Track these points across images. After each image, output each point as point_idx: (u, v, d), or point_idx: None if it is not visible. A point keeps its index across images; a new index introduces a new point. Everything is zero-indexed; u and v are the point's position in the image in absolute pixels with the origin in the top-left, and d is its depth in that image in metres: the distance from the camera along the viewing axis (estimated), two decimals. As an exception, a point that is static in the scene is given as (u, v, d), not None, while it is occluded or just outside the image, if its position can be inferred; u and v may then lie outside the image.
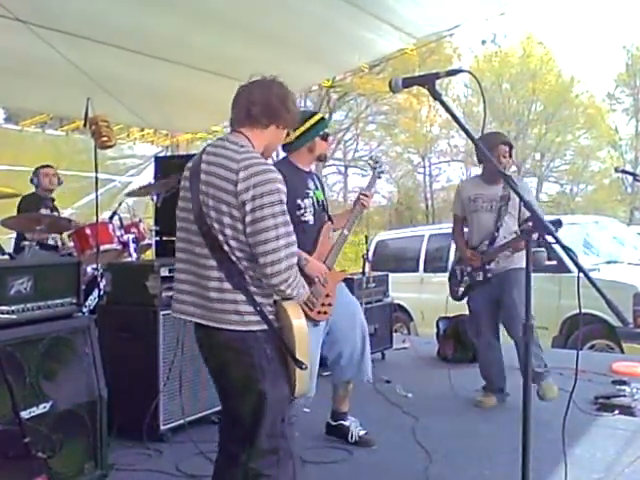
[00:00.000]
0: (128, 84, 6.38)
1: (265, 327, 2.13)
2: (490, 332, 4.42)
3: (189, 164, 2.27)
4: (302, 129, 3.35)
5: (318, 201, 3.45)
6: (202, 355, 2.29)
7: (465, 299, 4.51)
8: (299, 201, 3.34)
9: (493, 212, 4.29)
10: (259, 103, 2.21)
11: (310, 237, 3.36)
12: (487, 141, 4.15)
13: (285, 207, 2.11)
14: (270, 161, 3.11)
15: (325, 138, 3.44)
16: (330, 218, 3.55)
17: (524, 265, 4.09)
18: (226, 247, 2.10)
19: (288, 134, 3.37)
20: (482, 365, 4.56)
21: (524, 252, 4.09)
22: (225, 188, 2.08)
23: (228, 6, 5.08)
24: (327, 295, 3.42)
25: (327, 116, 24.49)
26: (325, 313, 3.43)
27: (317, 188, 3.49)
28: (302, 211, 3.35)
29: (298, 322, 2.17)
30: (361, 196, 3.64)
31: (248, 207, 2.04)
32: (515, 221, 4.28)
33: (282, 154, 3.53)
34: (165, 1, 4.97)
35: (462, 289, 4.45)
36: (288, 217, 2.11)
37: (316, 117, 3.44)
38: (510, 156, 4.35)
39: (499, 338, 4.46)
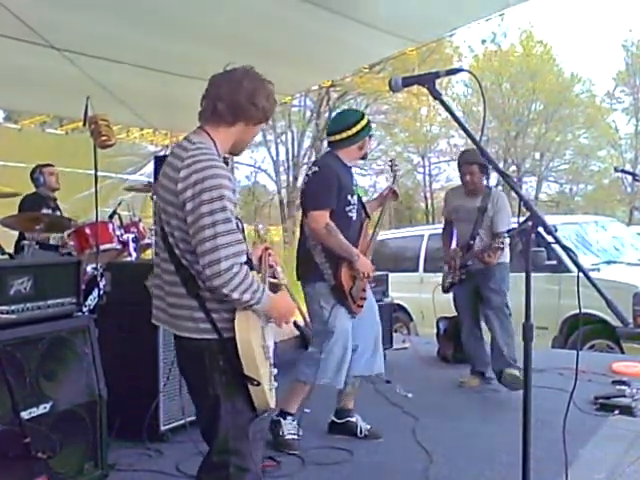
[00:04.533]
0: (130, 89, 6.40)
1: (217, 336, 2.00)
2: (472, 321, 4.82)
3: None
4: (358, 127, 3.54)
5: (359, 197, 3.58)
6: None
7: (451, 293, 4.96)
8: (349, 197, 3.46)
9: (470, 223, 4.65)
10: (225, 99, 2.05)
11: (353, 233, 3.48)
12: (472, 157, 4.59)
13: (228, 204, 1.91)
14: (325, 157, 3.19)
15: (370, 137, 3.72)
16: (367, 214, 3.69)
17: (502, 260, 4.57)
18: (177, 250, 2.00)
19: (336, 133, 3.54)
20: (466, 350, 5.00)
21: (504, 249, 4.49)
22: (169, 188, 1.98)
23: (230, 25, 5.16)
24: (364, 289, 3.58)
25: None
26: (361, 306, 3.58)
27: (356, 185, 3.62)
28: (350, 207, 3.47)
29: (241, 335, 1.94)
30: (392, 191, 3.89)
31: (188, 207, 1.91)
32: (489, 232, 4.62)
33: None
34: (169, 21, 5.03)
35: (447, 284, 4.89)
36: (230, 214, 1.92)
37: (366, 119, 3.66)
38: (481, 173, 4.62)
39: (481, 327, 4.86)
